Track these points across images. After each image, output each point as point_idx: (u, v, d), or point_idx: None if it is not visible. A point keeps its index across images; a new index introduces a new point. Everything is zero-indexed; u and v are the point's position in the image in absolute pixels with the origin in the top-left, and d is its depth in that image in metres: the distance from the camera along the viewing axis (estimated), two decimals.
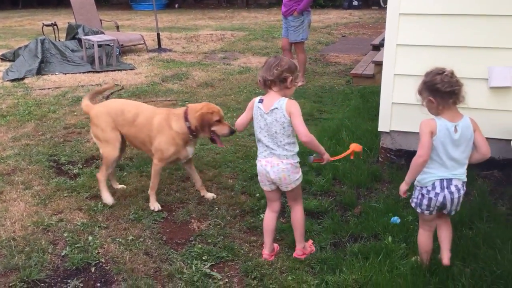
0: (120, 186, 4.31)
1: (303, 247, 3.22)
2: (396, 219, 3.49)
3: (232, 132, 3.78)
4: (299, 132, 2.91)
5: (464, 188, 2.81)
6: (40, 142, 5.40)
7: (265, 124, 2.99)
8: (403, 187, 2.84)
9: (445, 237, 2.94)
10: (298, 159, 3.04)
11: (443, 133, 2.69)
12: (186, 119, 3.76)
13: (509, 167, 4.07)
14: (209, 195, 4.10)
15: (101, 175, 4.02)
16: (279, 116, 2.92)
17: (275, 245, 3.31)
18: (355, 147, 3.28)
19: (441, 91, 2.66)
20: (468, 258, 3.02)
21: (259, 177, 3.14)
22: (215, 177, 4.48)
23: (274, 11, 22.04)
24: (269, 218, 3.21)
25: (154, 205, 3.91)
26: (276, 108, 2.92)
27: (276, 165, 2.99)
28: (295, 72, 2.97)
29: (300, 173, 3.09)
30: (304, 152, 4.05)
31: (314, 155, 3.13)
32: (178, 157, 3.89)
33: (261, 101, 3.01)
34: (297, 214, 3.19)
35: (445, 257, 2.89)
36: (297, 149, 3.04)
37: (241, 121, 3.20)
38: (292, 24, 7.76)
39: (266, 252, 3.23)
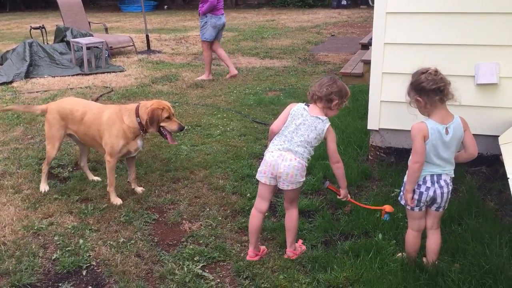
0: (95, 178, 4.47)
1: (294, 249, 3.23)
2: (386, 217, 3.50)
3: (181, 128, 4.01)
4: (332, 155, 3.09)
5: (451, 184, 2.85)
6: (29, 145, 5.37)
7: (303, 122, 3.06)
8: (407, 196, 2.85)
9: (433, 251, 2.95)
10: (306, 165, 3.09)
11: (434, 136, 2.72)
12: (137, 114, 3.92)
13: (497, 163, 4.12)
14: (139, 189, 4.23)
15: (43, 167, 4.33)
16: (319, 128, 3.05)
17: (262, 247, 3.30)
18: (387, 207, 3.23)
19: (426, 89, 2.71)
20: (457, 254, 3.05)
21: (262, 167, 3.10)
22: (206, 177, 4.48)
23: (263, 11, 22.11)
24: (254, 218, 3.19)
25: (116, 200, 4.01)
26: (320, 120, 3.06)
27: (289, 160, 3.01)
28: (343, 98, 3.10)
29: (304, 178, 3.12)
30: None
31: (328, 182, 3.26)
32: (128, 149, 4.01)
33: (307, 105, 3.14)
34: (292, 217, 3.19)
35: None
36: (310, 158, 3.13)
37: (277, 123, 3.20)
38: (200, 25, 8.45)
39: (250, 251, 3.20)
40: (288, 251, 3.22)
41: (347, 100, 3.15)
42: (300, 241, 3.36)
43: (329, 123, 3.09)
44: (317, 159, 4.44)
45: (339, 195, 3.25)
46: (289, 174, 3.01)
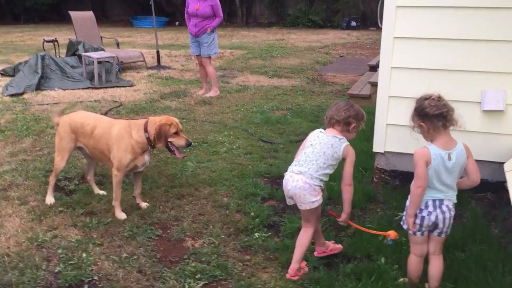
0: (101, 192, 4.51)
1: (297, 269, 3.22)
2: (389, 240, 3.48)
3: (189, 144, 4.05)
4: (345, 176, 3.11)
5: (454, 209, 2.85)
6: (37, 157, 5.42)
7: (318, 142, 3.15)
8: (409, 220, 2.86)
9: (435, 277, 2.94)
10: (319, 184, 3.11)
11: (437, 162, 2.74)
12: (145, 130, 3.97)
13: (502, 189, 4.09)
14: (143, 204, 4.26)
15: (50, 179, 4.38)
16: (335, 145, 3.10)
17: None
18: (392, 234, 3.20)
19: (430, 114, 2.75)
20: (460, 280, 3.03)
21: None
22: (210, 195, 4.50)
23: (273, 30, 22.29)
24: (300, 234, 3.26)
25: (120, 215, 4.04)
26: (337, 138, 3.12)
27: (296, 181, 3.10)
28: (360, 120, 3.19)
29: (319, 198, 3.13)
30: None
31: (330, 206, 3.28)
32: (136, 164, 4.05)
33: (323, 129, 3.23)
34: (305, 236, 3.21)
35: None
36: (325, 178, 3.15)
37: (298, 151, 3.34)
38: (205, 41, 8.47)
39: (290, 268, 3.20)
40: (291, 269, 3.20)
41: (364, 123, 3.24)
42: (304, 262, 3.36)
43: (348, 143, 3.13)
44: None
45: (339, 218, 3.25)
46: (297, 195, 3.10)
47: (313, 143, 3.18)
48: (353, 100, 7.98)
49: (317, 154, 3.12)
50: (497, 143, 4.06)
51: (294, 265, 3.22)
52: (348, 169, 3.12)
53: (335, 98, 8.65)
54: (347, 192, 3.15)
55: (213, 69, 8.92)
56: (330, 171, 3.15)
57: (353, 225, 3.39)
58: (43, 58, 9.46)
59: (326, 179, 3.17)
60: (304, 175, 3.09)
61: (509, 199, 3.30)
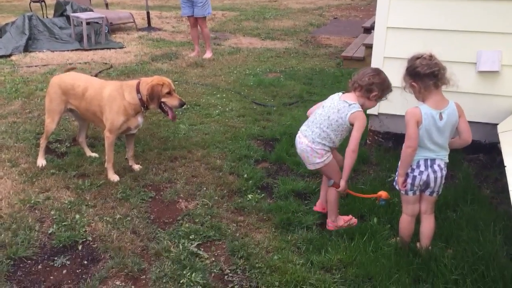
0: (93, 154, 4.49)
1: (333, 220, 3.33)
2: (381, 201, 3.48)
3: (182, 104, 3.99)
4: (351, 141, 3.05)
5: (445, 169, 2.86)
6: (27, 120, 5.35)
7: (328, 104, 3.14)
8: (400, 179, 2.87)
9: (427, 236, 2.98)
10: (322, 148, 3.13)
11: (428, 121, 2.73)
12: (138, 91, 3.92)
13: (494, 151, 4.12)
14: (136, 167, 4.25)
15: (41, 142, 4.32)
16: (342, 111, 3.05)
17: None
18: (383, 194, 3.20)
19: (421, 73, 2.72)
20: (451, 240, 3.08)
21: None
22: (203, 157, 4.49)
23: None
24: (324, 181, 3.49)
25: (113, 177, 4.03)
26: (347, 103, 3.05)
27: (300, 144, 3.23)
28: (384, 91, 3.10)
29: (324, 159, 3.16)
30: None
31: (333, 181, 3.27)
32: (129, 126, 4.02)
33: (343, 92, 3.18)
34: (329, 190, 3.32)
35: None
36: (327, 143, 3.14)
37: (311, 109, 3.37)
38: (200, 1, 8.27)
39: (317, 205, 3.54)
40: (328, 221, 3.36)
41: (388, 94, 3.15)
42: (350, 216, 3.43)
43: (359, 110, 3.04)
44: None
45: (338, 189, 3.22)
46: (302, 156, 3.26)
47: (325, 105, 3.17)
48: (347, 63, 7.92)
49: (323, 117, 3.11)
50: (491, 104, 4.05)
51: (329, 218, 3.36)
52: (355, 134, 3.04)
53: (328, 60, 8.55)
54: (349, 158, 3.07)
55: (208, 30, 8.79)
56: (335, 136, 3.11)
57: (351, 193, 3.37)
58: (30, 18, 9.22)
59: (329, 144, 3.13)
60: (307, 138, 3.15)
61: (501, 160, 3.32)
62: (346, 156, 3.08)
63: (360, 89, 3.07)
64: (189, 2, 8.34)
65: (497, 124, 3.85)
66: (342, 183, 3.17)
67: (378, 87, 3.06)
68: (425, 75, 2.71)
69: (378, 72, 3.11)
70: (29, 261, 3.01)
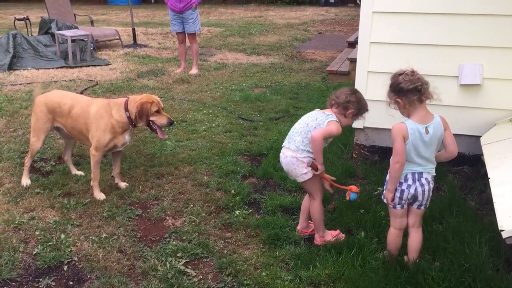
0: (79, 172, 4.44)
1: (321, 235, 3.34)
2: (353, 196, 3.40)
3: (171, 122, 4.02)
4: (314, 132, 3.09)
5: (433, 182, 2.89)
6: (12, 139, 5.29)
7: (308, 115, 3.22)
8: (388, 195, 2.89)
9: (414, 249, 2.99)
10: (307, 155, 3.14)
11: (414, 136, 2.76)
12: (126, 108, 3.91)
13: (478, 163, 4.17)
14: (122, 184, 4.22)
15: (26, 161, 4.26)
16: (320, 118, 3.13)
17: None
18: (353, 187, 3.28)
19: (404, 89, 2.76)
20: (438, 252, 3.09)
21: None
22: (190, 173, 4.47)
23: (251, 7, 22.05)
24: (305, 200, 3.45)
25: (99, 196, 3.99)
26: (324, 114, 3.15)
27: (285, 157, 3.22)
28: (360, 110, 3.19)
29: (308, 170, 3.17)
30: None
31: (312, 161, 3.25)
32: (115, 144, 4.00)
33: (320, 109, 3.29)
34: (312, 206, 3.31)
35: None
36: (310, 149, 3.14)
37: None
38: (190, 18, 8.35)
39: (298, 227, 3.48)
40: (316, 236, 3.38)
41: (364, 113, 3.25)
42: (338, 231, 3.42)
43: (336, 120, 3.12)
44: None
45: (317, 171, 3.20)
46: (289, 170, 3.24)
47: (304, 117, 3.24)
48: (332, 77, 8.00)
49: (302, 125, 3.18)
50: (474, 117, 4.11)
51: (317, 233, 3.36)
52: (322, 128, 3.08)
53: (314, 75, 8.63)
54: (315, 142, 3.07)
55: (197, 46, 8.87)
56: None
57: (326, 178, 3.34)
58: (14, 36, 9.18)
59: (309, 148, 3.14)
60: (290, 149, 3.18)
61: (485, 172, 3.36)
62: (314, 140, 3.08)
63: (337, 106, 3.17)
64: (179, 18, 8.38)
65: (480, 136, 3.90)
66: (320, 167, 3.18)
67: (354, 105, 3.15)
68: (409, 91, 2.75)
69: (354, 91, 3.25)
70: (13, 283, 2.95)
